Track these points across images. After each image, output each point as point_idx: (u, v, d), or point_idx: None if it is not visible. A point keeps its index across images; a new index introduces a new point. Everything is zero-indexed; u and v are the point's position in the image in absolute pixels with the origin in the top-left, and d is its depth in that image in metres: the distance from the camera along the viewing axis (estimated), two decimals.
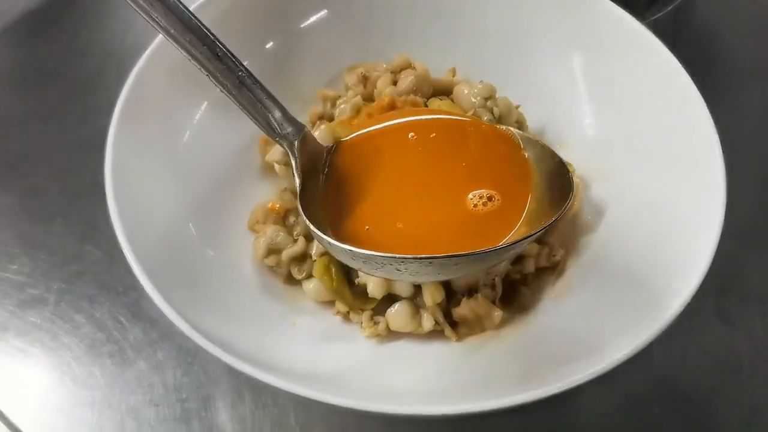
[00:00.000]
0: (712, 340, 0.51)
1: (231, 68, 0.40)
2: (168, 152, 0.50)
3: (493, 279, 0.46)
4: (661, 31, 0.51)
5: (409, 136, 0.44)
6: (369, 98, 0.55)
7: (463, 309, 0.46)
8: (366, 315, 0.47)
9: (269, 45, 0.57)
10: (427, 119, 0.45)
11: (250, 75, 0.41)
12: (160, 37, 0.50)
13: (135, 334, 0.51)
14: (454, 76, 0.58)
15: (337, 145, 0.45)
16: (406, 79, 0.54)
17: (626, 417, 0.48)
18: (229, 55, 0.40)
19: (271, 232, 0.49)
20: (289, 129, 0.42)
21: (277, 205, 0.51)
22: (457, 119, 0.45)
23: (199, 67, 0.39)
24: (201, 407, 0.48)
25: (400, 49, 0.57)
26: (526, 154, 0.42)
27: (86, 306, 0.53)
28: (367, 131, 0.45)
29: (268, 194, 0.53)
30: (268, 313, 0.47)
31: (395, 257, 0.34)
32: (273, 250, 0.49)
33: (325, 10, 0.59)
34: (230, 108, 0.55)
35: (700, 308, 0.51)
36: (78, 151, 0.61)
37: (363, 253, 0.35)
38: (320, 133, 0.50)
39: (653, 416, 0.48)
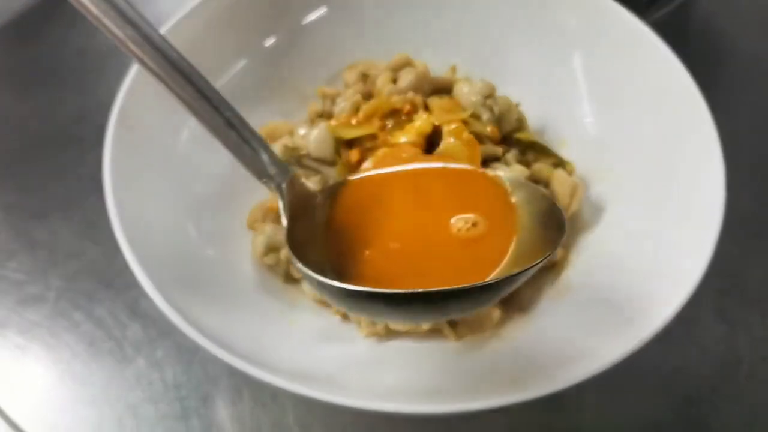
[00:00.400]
0: (712, 339, 0.51)
1: (219, 109, 0.38)
2: (167, 151, 0.50)
3: None
4: (663, 29, 0.51)
5: (404, 183, 0.44)
6: (368, 96, 0.55)
7: None
8: None
9: (269, 43, 0.57)
10: (419, 168, 0.45)
11: (238, 116, 0.39)
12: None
13: (134, 332, 0.51)
14: (454, 74, 0.58)
15: (336, 188, 0.44)
16: (406, 78, 0.54)
17: (625, 417, 0.48)
18: (217, 95, 0.39)
19: (270, 230, 0.49)
20: (277, 171, 0.41)
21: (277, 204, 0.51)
22: (446, 167, 0.44)
23: (184, 105, 0.38)
24: (200, 405, 0.48)
25: (401, 46, 0.57)
26: (514, 198, 0.41)
27: (85, 304, 0.53)
28: (366, 176, 0.45)
29: (267, 193, 0.53)
30: (267, 311, 0.47)
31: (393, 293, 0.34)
32: (272, 249, 0.49)
33: (325, 8, 0.59)
34: None
35: (700, 308, 0.52)
36: (77, 148, 0.61)
37: (357, 290, 0.35)
38: (320, 132, 0.50)
39: (652, 416, 0.48)
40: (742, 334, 0.51)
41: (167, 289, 0.40)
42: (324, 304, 0.49)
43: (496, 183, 0.42)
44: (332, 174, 0.49)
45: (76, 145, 0.62)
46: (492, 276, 0.37)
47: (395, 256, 0.40)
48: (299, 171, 0.43)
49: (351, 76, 0.57)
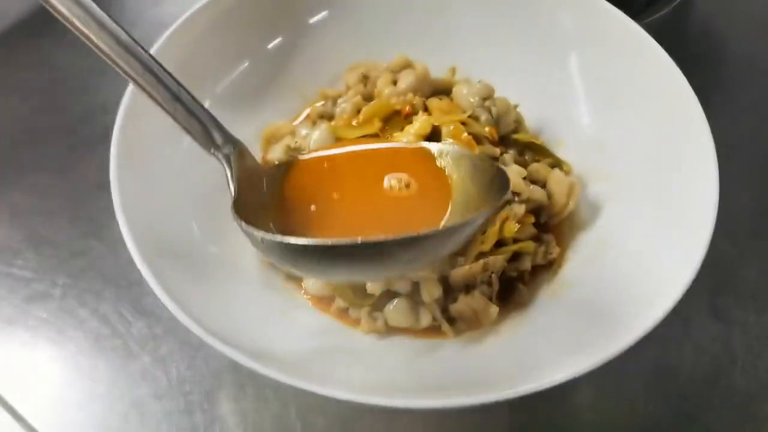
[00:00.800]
0: (707, 337, 0.52)
1: (164, 83, 0.40)
2: (172, 150, 0.50)
3: (490, 276, 0.47)
4: (660, 31, 0.52)
5: (346, 161, 0.45)
6: (369, 97, 0.56)
7: (460, 305, 0.46)
8: (365, 311, 0.47)
9: (271, 45, 0.58)
10: (359, 149, 0.46)
11: (185, 90, 0.41)
12: (164, 36, 0.51)
13: (139, 329, 0.52)
14: (453, 75, 0.59)
15: (284, 166, 0.45)
16: (406, 79, 0.55)
17: (621, 413, 0.49)
18: (164, 70, 0.40)
19: None
20: (224, 142, 0.42)
21: None
22: (385, 147, 0.46)
23: (129, 79, 0.39)
24: (204, 400, 0.48)
25: (401, 48, 0.58)
26: (440, 162, 0.43)
27: (91, 301, 0.53)
28: (312, 156, 0.46)
29: None
30: (269, 308, 0.47)
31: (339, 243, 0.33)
32: None
33: (327, 11, 0.60)
34: (232, 107, 0.56)
35: (695, 306, 0.52)
36: (83, 147, 0.62)
37: (301, 244, 0.34)
38: (321, 132, 0.51)
39: (648, 412, 0.48)
40: (737, 333, 0.52)
41: (172, 287, 0.41)
42: (325, 300, 0.49)
43: (426, 153, 0.44)
44: None
45: (82, 144, 0.62)
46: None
47: (339, 222, 0.41)
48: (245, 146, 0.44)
49: (352, 77, 0.57)
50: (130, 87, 0.48)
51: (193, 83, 0.52)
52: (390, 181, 0.42)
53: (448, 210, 0.41)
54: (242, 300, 0.47)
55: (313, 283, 0.49)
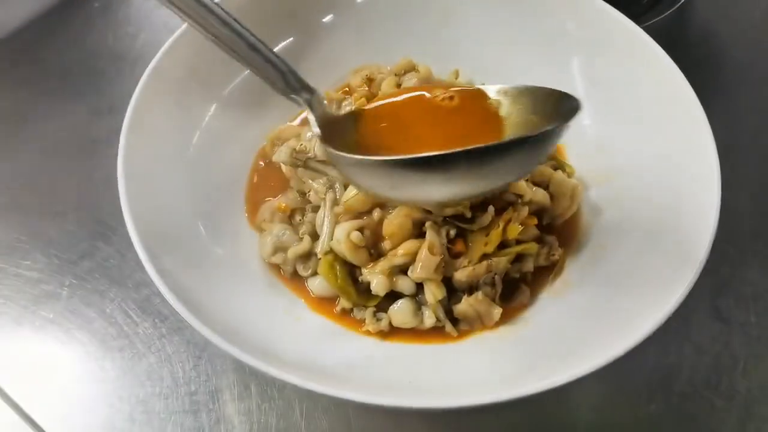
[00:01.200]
0: (707, 337, 0.52)
1: (242, 35, 0.43)
2: (178, 153, 0.51)
3: (493, 277, 0.47)
4: (662, 33, 0.52)
5: (409, 105, 0.48)
6: (373, 100, 0.56)
7: (464, 306, 0.47)
8: (369, 311, 0.48)
9: (277, 48, 0.59)
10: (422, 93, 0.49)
11: (261, 40, 0.44)
12: (170, 40, 0.51)
13: (145, 329, 0.52)
14: (457, 78, 0.59)
15: (355, 113, 0.48)
16: (410, 81, 0.55)
17: (622, 414, 0.49)
18: (238, 23, 0.43)
19: (278, 230, 0.50)
20: (302, 89, 0.46)
21: (284, 205, 0.52)
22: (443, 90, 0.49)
23: (207, 35, 0.42)
24: (209, 400, 0.49)
25: (405, 51, 0.58)
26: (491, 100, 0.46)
27: (98, 301, 0.54)
28: (379, 104, 0.49)
29: (275, 194, 0.54)
30: (273, 308, 0.48)
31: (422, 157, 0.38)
32: (279, 248, 0.50)
33: (332, 14, 0.60)
34: (239, 109, 0.56)
35: (696, 307, 0.53)
36: (91, 150, 0.62)
37: (389, 159, 0.39)
38: None
39: (649, 413, 0.49)
40: (738, 334, 0.52)
41: (179, 288, 0.41)
42: (329, 301, 0.50)
43: (480, 94, 0.46)
44: (338, 176, 0.50)
45: (89, 146, 0.63)
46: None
47: (414, 148, 0.42)
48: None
49: (356, 79, 0.58)
50: (138, 91, 0.49)
51: (201, 86, 0.53)
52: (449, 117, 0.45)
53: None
54: (247, 300, 0.47)
55: (318, 283, 0.49)
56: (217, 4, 0.42)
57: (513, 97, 0.45)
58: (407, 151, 0.40)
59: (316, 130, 0.45)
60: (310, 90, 0.46)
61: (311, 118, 0.46)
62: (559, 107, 0.41)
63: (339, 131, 0.46)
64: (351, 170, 0.43)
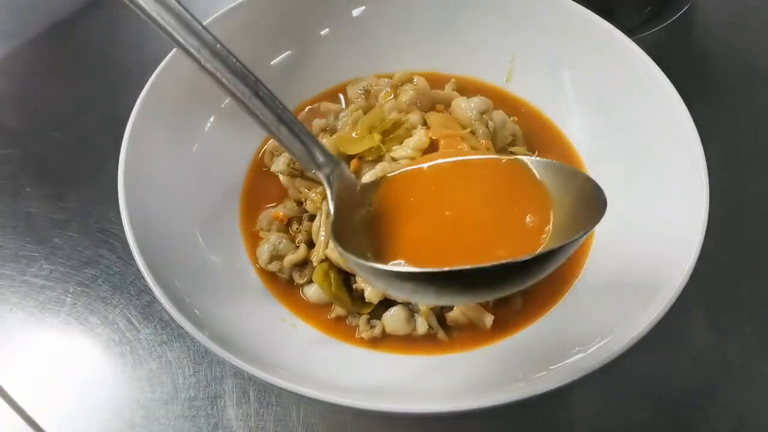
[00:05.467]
0: (702, 346, 0.52)
1: (271, 107, 0.42)
2: (178, 163, 0.52)
3: None
4: (659, 45, 0.53)
5: (438, 175, 0.45)
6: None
7: (456, 313, 0.47)
8: (363, 318, 0.48)
9: (274, 60, 0.60)
10: (455, 161, 0.46)
11: (288, 112, 0.42)
12: (172, 52, 0.52)
13: (146, 335, 0.53)
14: (453, 89, 0.60)
15: (378, 182, 0.46)
16: (407, 93, 0.56)
17: (616, 421, 0.49)
18: (269, 93, 0.42)
19: (275, 239, 0.51)
20: (325, 161, 0.44)
21: (281, 213, 0.53)
22: (479, 159, 0.46)
23: (239, 104, 0.41)
24: (208, 405, 0.50)
25: (400, 63, 0.60)
26: (538, 176, 0.42)
27: (101, 308, 0.55)
28: (404, 171, 0.46)
29: (272, 202, 0.56)
30: (270, 316, 0.49)
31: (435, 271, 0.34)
32: (276, 257, 0.51)
33: (328, 28, 0.61)
34: (237, 120, 0.57)
35: (691, 316, 0.53)
36: (94, 159, 0.64)
37: (407, 272, 0.36)
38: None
39: (643, 420, 0.49)
40: (732, 343, 0.52)
41: (177, 296, 0.42)
42: (324, 308, 0.50)
43: (522, 166, 0.42)
44: None
45: (93, 155, 0.64)
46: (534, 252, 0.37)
47: (436, 241, 0.41)
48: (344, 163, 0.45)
49: (353, 91, 0.59)
50: (140, 101, 0.50)
51: (199, 98, 0.54)
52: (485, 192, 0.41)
53: (550, 226, 0.39)
54: (244, 307, 0.48)
55: (314, 291, 0.50)
56: (245, 68, 0.42)
57: (553, 173, 0.41)
58: (434, 250, 0.37)
59: (331, 209, 0.42)
60: (333, 161, 0.44)
61: (328, 195, 0.43)
62: (589, 203, 0.38)
63: (356, 205, 0.44)
64: (365, 275, 0.40)
